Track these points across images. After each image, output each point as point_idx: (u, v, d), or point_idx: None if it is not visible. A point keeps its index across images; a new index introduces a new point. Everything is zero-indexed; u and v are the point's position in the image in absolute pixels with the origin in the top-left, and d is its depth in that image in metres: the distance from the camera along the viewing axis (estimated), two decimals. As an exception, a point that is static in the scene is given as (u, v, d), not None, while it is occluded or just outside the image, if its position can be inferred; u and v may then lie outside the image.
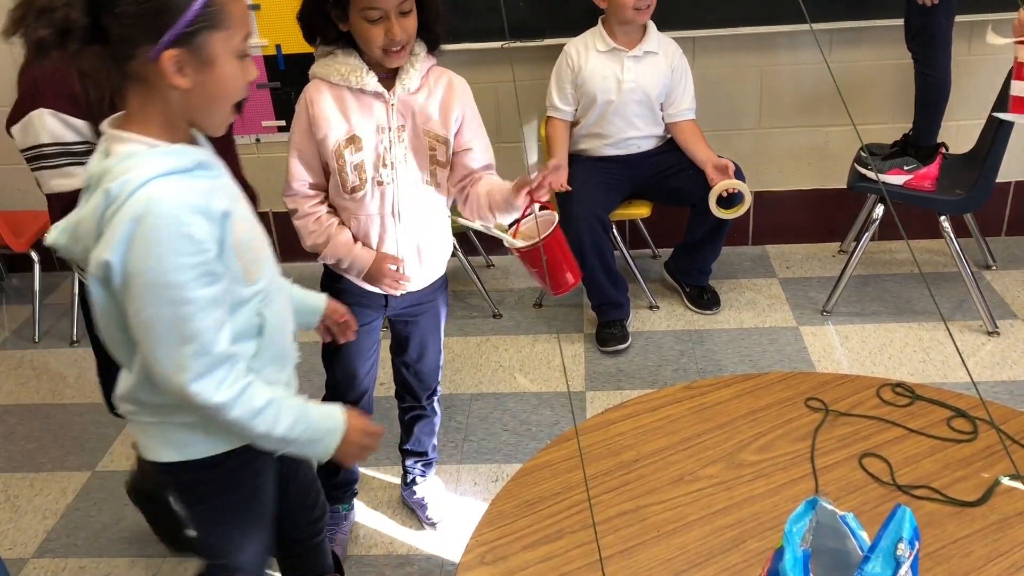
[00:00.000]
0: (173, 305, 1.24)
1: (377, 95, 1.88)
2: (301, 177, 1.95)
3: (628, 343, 3.14)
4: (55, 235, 1.33)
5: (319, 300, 1.73)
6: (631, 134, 3.18)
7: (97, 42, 1.21)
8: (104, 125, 1.30)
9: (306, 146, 1.92)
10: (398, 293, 2.05)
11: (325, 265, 2.11)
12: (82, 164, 1.70)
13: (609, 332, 3.15)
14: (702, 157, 3.09)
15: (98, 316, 1.35)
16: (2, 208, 3.44)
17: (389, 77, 1.89)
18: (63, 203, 1.73)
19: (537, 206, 1.81)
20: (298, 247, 2.04)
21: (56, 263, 3.80)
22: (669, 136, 3.25)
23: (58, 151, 1.79)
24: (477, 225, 1.95)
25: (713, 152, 3.10)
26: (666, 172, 3.18)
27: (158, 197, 1.21)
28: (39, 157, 1.82)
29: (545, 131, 3.25)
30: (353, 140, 1.89)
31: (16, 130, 1.83)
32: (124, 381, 1.42)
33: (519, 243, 1.85)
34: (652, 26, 3.12)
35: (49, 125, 1.78)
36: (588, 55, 3.13)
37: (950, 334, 3.10)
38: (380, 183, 1.92)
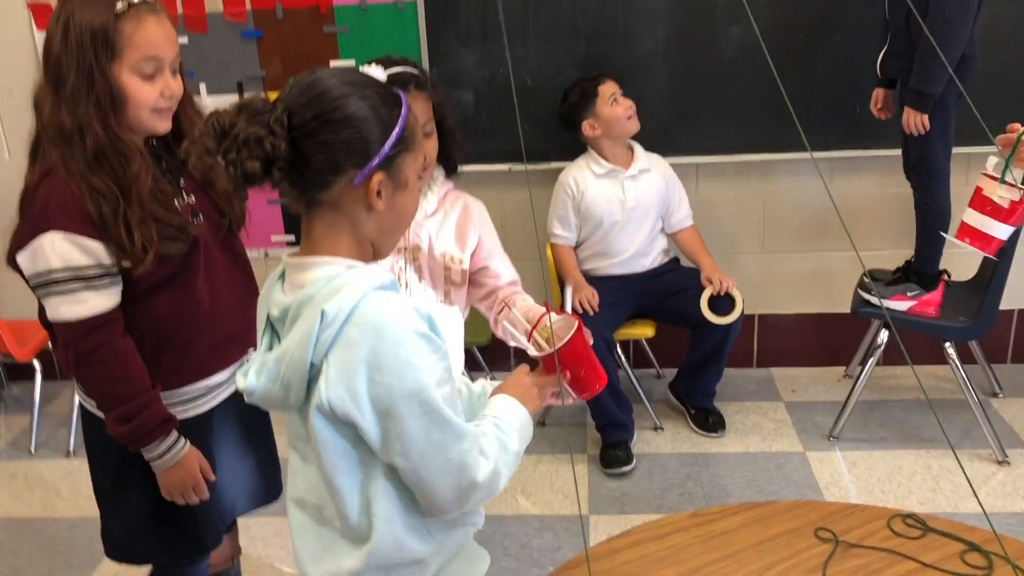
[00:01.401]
0: (431, 410, 1.19)
1: None
2: None
3: (633, 465, 3.09)
4: (251, 379, 1.24)
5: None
6: (636, 250, 3.25)
7: (296, 171, 1.19)
8: (285, 257, 1.28)
9: None
10: None
11: None
12: (94, 289, 1.65)
13: (613, 454, 3.10)
14: (705, 263, 3.23)
15: (326, 460, 1.23)
16: (7, 316, 3.45)
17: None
18: (72, 332, 1.67)
19: (552, 314, 1.73)
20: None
21: (58, 372, 3.79)
22: (672, 256, 3.33)
23: (70, 276, 1.63)
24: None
25: (711, 259, 3.24)
26: (668, 292, 3.23)
27: (382, 307, 1.18)
28: (49, 283, 1.64)
29: (552, 257, 3.32)
30: None
31: (24, 257, 1.65)
32: (352, 557, 1.28)
33: (533, 349, 1.68)
34: (638, 146, 3.28)
35: (61, 250, 1.61)
36: (587, 181, 3.22)
37: (960, 463, 3.06)
38: None
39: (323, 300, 1.18)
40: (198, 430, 1.83)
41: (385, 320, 1.17)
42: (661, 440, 3.28)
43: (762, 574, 1.54)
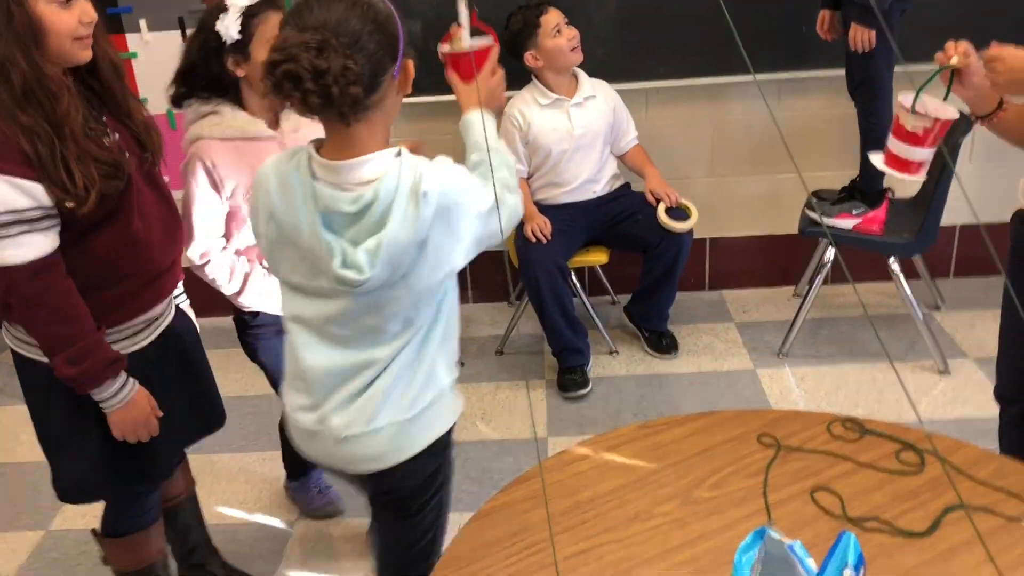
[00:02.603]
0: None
1: (271, 138, 2.06)
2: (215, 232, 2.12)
3: (589, 388, 3.16)
4: (367, 270, 1.39)
5: None
6: (586, 177, 3.26)
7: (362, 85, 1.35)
8: (322, 160, 1.42)
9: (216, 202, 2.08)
10: None
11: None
12: (37, 232, 1.62)
13: (570, 378, 3.17)
14: (649, 172, 3.31)
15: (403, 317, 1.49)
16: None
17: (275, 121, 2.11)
18: (17, 276, 1.64)
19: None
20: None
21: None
22: (623, 181, 3.35)
23: (12, 219, 1.59)
24: None
25: (656, 172, 3.31)
26: (620, 216, 3.27)
27: (442, 175, 1.42)
28: None
29: None
30: None
31: None
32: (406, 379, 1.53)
33: (446, 47, 1.74)
34: (582, 73, 3.25)
35: (1, 192, 1.58)
36: (532, 111, 3.21)
37: (898, 377, 3.16)
38: None
39: (410, 184, 1.38)
40: (140, 366, 1.84)
41: (450, 184, 1.41)
42: (616, 364, 3.35)
43: (707, 478, 1.61)
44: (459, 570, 1.45)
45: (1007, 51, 1.70)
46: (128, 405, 1.79)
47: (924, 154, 1.81)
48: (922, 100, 1.74)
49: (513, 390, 3.25)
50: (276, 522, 2.69)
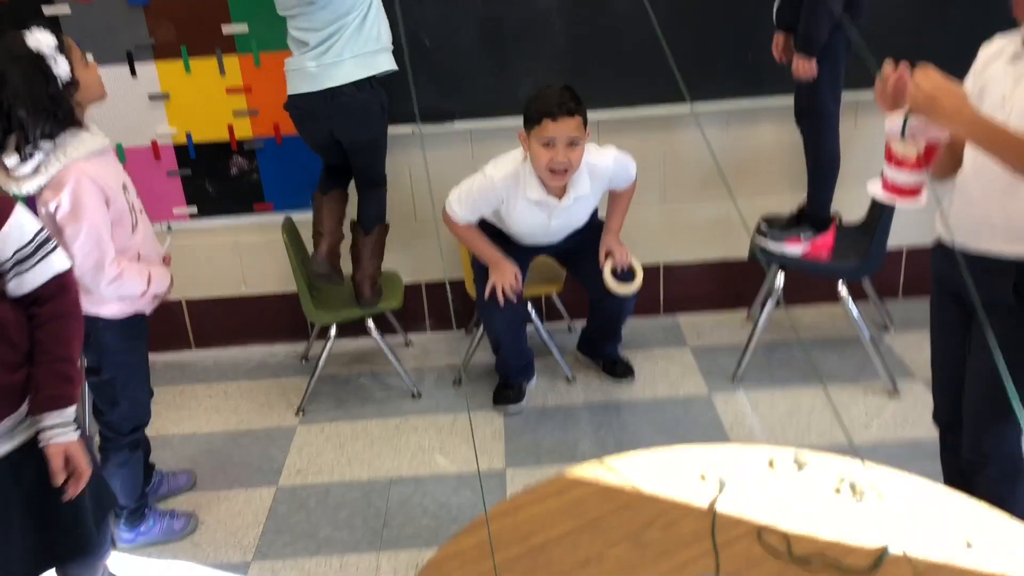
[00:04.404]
0: None
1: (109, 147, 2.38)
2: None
3: (523, 403, 3.25)
4: None
5: None
6: (549, 242, 3.21)
7: None
8: None
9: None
10: None
11: None
12: None
13: (503, 392, 3.26)
14: (611, 224, 3.16)
15: None
16: None
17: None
18: None
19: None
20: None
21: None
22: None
23: None
24: None
25: (618, 225, 3.18)
26: (579, 247, 3.21)
27: None
28: None
29: (455, 232, 3.13)
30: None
31: None
32: None
33: None
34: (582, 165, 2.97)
35: None
36: (517, 201, 2.99)
37: (831, 404, 3.21)
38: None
39: None
40: None
41: None
42: (573, 392, 3.36)
43: (657, 519, 1.63)
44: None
45: (925, 75, 1.67)
46: None
47: (921, 177, 1.78)
48: (909, 123, 1.72)
49: (471, 420, 3.25)
50: None
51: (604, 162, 3.04)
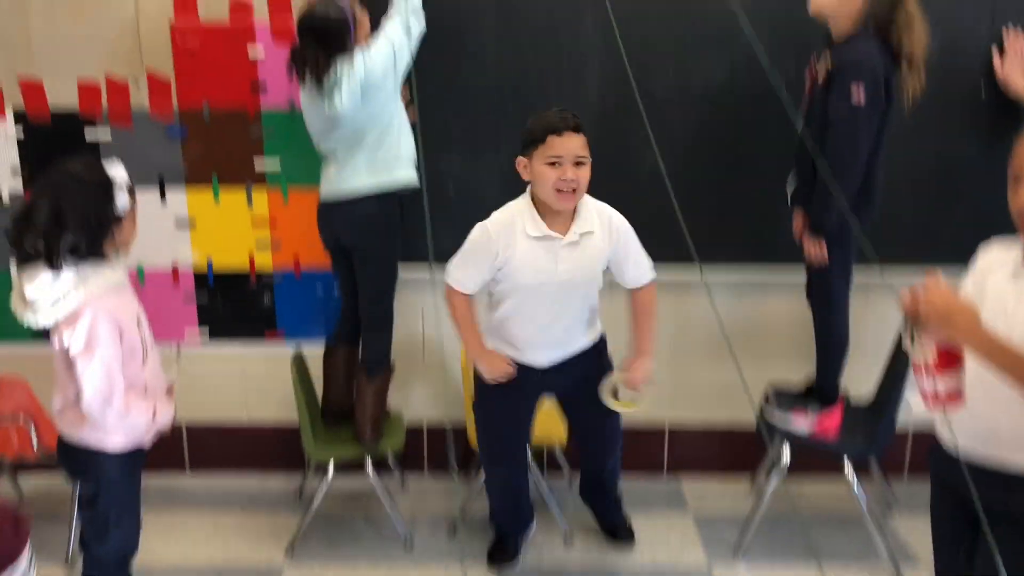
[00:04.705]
0: None
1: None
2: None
3: (517, 563, 3.16)
4: None
5: None
6: (553, 340, 2.87)
7: None
8: None
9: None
10: None
11: None
12: None
13: (499, 549, 3.19)
14: (640, 339, 2.91)
15: None
16: None
17: None
18: None
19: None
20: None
21: None
22: (599, 334, 3.04)
23: None
24: None
25: (649, 346, 2.94)
26: (581, 383, 2.94)
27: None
28: None
29: (452, 307, 2.86)
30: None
31: None
32: None
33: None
34: (585, 203, 2.75)
35: None
36: (517, 245, 2.70)
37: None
38: None
39: None
40: None
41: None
42: (570, 556, 3.27)
43: None
44: None
45: (937, 291, 1.69)
46: None
47: (951, 381, 1.75)
48: (919, 345, 1.72)
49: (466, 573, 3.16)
50: None
51: (618, 216, 2.83)
